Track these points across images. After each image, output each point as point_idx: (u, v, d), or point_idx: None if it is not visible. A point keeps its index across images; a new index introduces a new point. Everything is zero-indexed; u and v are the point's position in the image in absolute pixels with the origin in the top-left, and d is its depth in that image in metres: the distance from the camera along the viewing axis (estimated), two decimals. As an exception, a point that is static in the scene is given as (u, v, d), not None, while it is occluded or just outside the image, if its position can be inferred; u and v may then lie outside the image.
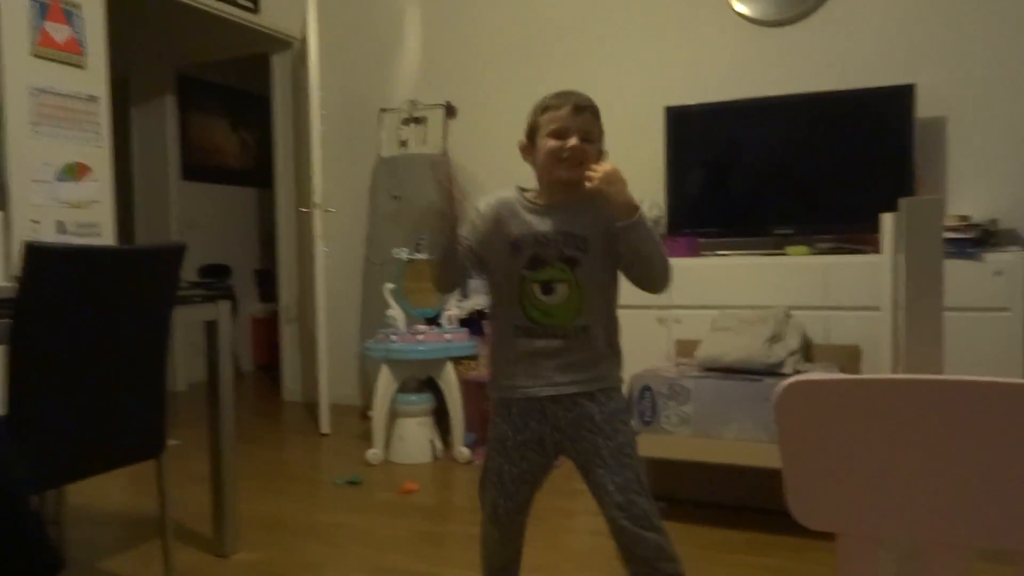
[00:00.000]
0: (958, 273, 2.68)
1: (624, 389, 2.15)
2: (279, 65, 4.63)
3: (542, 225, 1.50)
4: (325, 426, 3.84)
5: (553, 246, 1.49)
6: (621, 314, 3.24)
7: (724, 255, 3.19)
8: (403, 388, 3.31)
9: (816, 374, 0.86)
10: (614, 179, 1.41)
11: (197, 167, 5.50)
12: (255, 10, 4.22)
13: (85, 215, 3.21)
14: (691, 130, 3.37)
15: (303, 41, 4.14)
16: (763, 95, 3.28)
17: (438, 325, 3.41)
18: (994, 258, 2.67)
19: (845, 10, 3.30)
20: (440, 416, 3.35)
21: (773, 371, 2.61)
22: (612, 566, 2.04)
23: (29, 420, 1.69)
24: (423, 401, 3.31)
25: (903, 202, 1.19)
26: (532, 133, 1.54)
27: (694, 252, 3.26)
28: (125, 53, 4.97)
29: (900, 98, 3.01)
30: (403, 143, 4.22)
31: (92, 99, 3.25)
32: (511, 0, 3.96)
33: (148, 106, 5.21)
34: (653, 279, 1.52)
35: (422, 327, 3.37)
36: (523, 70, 3.94)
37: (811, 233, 3.15)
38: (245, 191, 6.00)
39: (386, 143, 4.28)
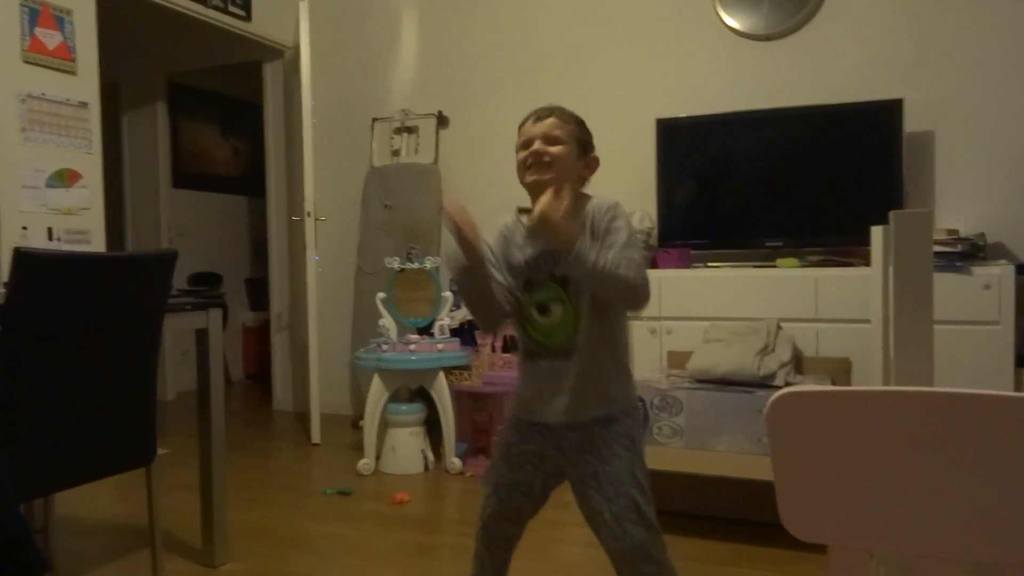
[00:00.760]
0: (947, 287, 2.70)
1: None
2: (271, 73, 4.63)
3: (532, 246, 1.50)
4: (316, 436, 3.82)
5: (543, 266, 1.48)
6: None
7: (715, 267, 3.21)
8: (395, 398, 3.30)
9: (807, 386, 0.86)
10: (545, 220, 1.34)
11: (188, 175, 5.49)
12: (247, 18, 4.23)
13: (75, 222, 3.20)
14: (682, 142, 3.39)
15: (295, 49, 4.14)
16: (753, 108, 3.31)
17: (430, 335, 3.40)
18: (983, 272, 2.70)
19: (834, 25, 3.34)
20: (432, 426, 3.34)
21: (764, 383, 2.62)
22: (603, 577, 2.03)
23: (17, 428, 1.68)
24: (415, 411, 3.30)
25: (893, 215, 1.20)
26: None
27: (685, 263, 3.27)
28: (116, 59, 4.96)
29: (888, 112, 3.04)
30: (395, 152, 4.23)
31: (83, 105, 3.24)
32: (504, 11, 3.98)
33: (139, 113, 5.20)
34: (622, 302, 1.45)
35: (414, 337, 3.36)
36: (515, 81, 3.95)
37: (801, 246, 3.17)
38: (236, 199, 5.99)
39: (378, 152, 4.29)
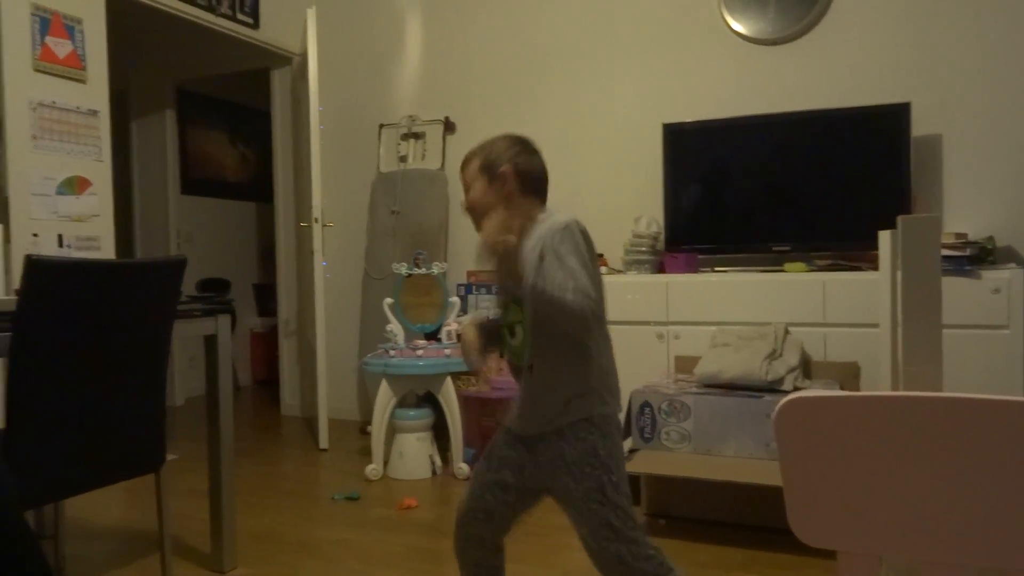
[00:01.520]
0: (956, 291, 2.69)
1: (623, 408, 2.16)
2: (279, 80, 4.66)
3: (504, 270, 1.52)
4: (324, 441, 3.83)
5: (505, 290, 1.54)
6: (620, 329, 3.23)
7: (722, 271, 3.21)
8: (402, 403, 3.31)
9: (815, 391, 0.86)
10: (488, 253, 1.42)
11: (197, 181, 5.52)
12: (255, 26, 4.25)
13: (85, 229, 3.22)
14: (688, 147, 3.39)
15: (303, 56, 4.16)
16: (760, 113, 3.31)
17: (437, 340, 3.41)
18: (991, 275, 2.69)
19: (841, 29, 3.33)
20: (439, 432, 3.34)
21: (772, 388, 2.61)
22: (611, 583, 2.02)
23: (28, 433, 1.69)
24: (422, 416, 3.30)
25: (900, 220, 1.20)
26: None
27: (692, 268, 3.27)
28: (125, 67, 5.00)
29: (896, 116, 3.03)
30: (402, 158, 4.24)
31: (92, 113, 3.27)
32: (511, 17, 4.00)
33: (148, 120, 5.23)
34: (563, 325, 1.39)
35: (421, 342, 3.37)
36: (522, 87, 3.96)
37: (808, 250, 3.17)
38: (244, 205, 6.02)
39: (385, 158, 4.31)
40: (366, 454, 3.47)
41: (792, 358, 2.72)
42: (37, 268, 1.64)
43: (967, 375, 2.68)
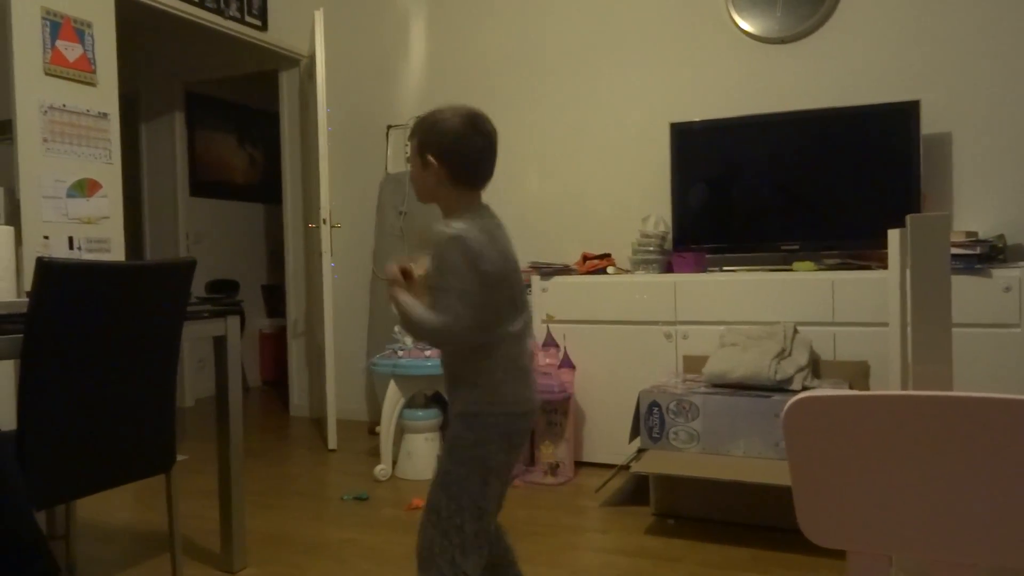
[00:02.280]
0: (966, 289, 2.68)
1: (632, 405, 2.16)
2: (287, 82, 4.68)
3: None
4: (332, 442, 3.84)
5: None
6: (628, 329, 3.23)
7: (730, 271, 3.20)
8: (411, 404, 3.31)
9: (824, 391, 0.86)
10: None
11: (205, 183, 5.55)
12: (263, 28, 4.27)
13: (95, 231, 3.24)
14: (696, 146, 3.38)
15: (311, 58, 4.18)
16: (768, 111, 3.30)
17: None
18: (1002, 274, 2.67)
19: (849, 27, 3.32)
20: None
21: (781, 387, 2.61)
22: (620, 583, 2.03)
23: (39, 434, 1.70)
24: (431, 417, 3.31)
25: (910, 219, 1.19)
26: None
27: (700, 267, 3.26)
28: (135, 70, 5.03)
29: (905, 114, 3.02)
30: (410, 159, 4.25)
31: (102, 116, 3.29)
32: (518, 18, 4.00)
33: (157, 123, 5.26)
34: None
35: (429, 342, 3.37)
36: (529, 87, 3.96)
37: (817, 249, 3.15)
38: (253, 207, 6.04)
39: (392, 159, 4.31)
40: (375, 455, 3.48)
41: (801, 357, 2.71)
42: (48, 270, 1.65)
43: (978, 374, 2.66)
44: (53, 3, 3.08)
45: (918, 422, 0.72)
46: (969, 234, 2.81)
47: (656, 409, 2.67)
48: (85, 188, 3.21)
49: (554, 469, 3.15)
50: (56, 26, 3.10)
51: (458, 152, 1.49)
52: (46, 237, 3.04)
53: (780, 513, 2.49)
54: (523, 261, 3.73)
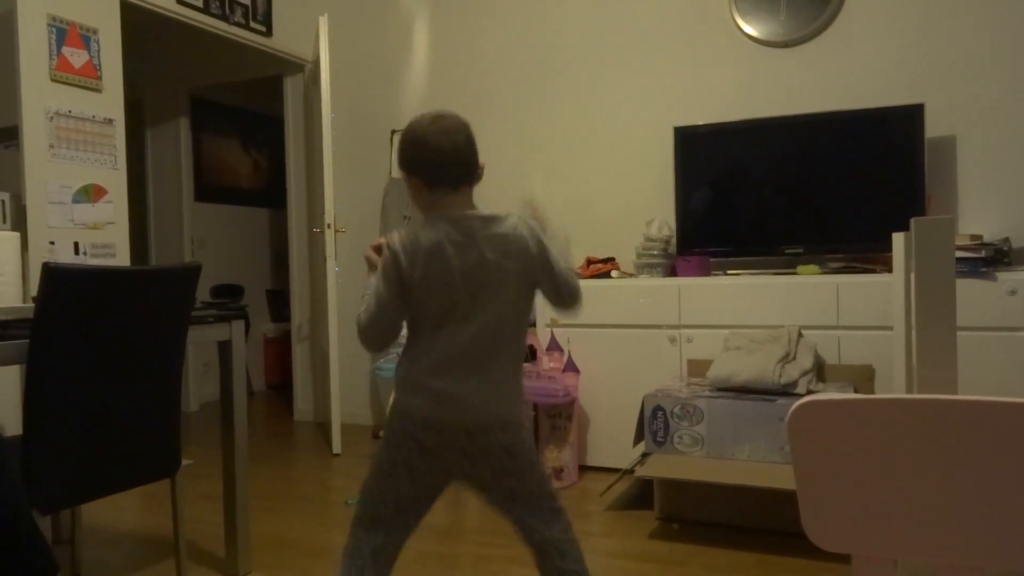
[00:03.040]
0: (971, 292, 2.67)
1: (636, 409, 2.15)
2: (291, 87, 4.69)
3: None
4: (337, 446, 3.84)
5: None
6: (632, 333, 3.24)
7: (735, 274, 3.20)
8: (414, 408, 3.31)
9: (828, 394, 0.86)
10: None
11: (210, 188, 5.57)
12: (268, 33, 4.29)
13: (101, 236, 3.25)
14: (700, 150, 3.38)
15: (315, 63, 4.19)
16: (772, 115, 3.30)
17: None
18: (1007, 277, 2.66)
19: (853, 30, 3.32)
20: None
21: (786, 391, 2.60)
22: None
23: (45, 439, 1.71)
24: (434, 421, 3.30)
25: (914, 222, 1.19)
26: None
27: (704, 271, 3.26)
28: (140, 76, 5.05)
29: (910, 118, 3.01)
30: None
31: (108, 122, 3.31)
32: (521, 21, 4.01)
33: (162, 128, 5.28)
34: None
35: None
36: (532, 91, 3.97)
37: (822, 252, 3.15)
38: (257, 211, 6.06)
39: (396, 164, 4.32)
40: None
41: (806, 361, 2.71)
42: (54, 275, 1.66)
43: (984, 377, 2.65)
44: (59, 10, 3.10)
45: (923, 426, 0.72)
46: (974, 237, 2.80)
47: (660, 413, 2.67)
48: (91, 194, 3.22)
49: (558, 473, 3.15)
50: (62, 33, 3.12)
51: (422, 159, 1.49)
52: (52, 242, 3.05)
53: (785, 517, 2.49)
54: (527, 265, 3.75)
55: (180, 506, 2.08)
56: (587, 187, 3.84)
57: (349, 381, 4.38)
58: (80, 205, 3.18)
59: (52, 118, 3.08)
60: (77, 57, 3.18)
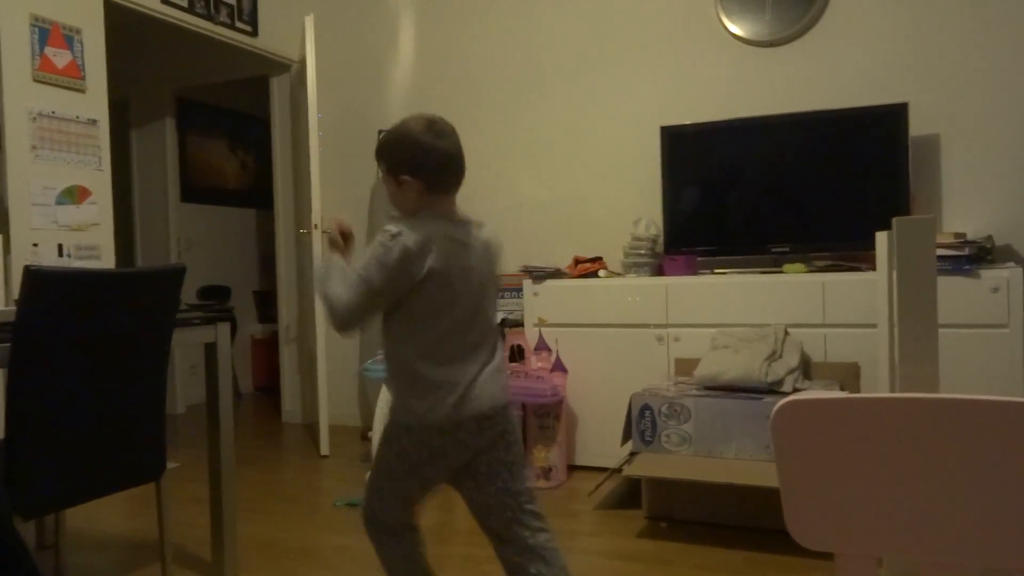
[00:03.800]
0: (954, 290, 2.69)
1: (624, 408, 2.16)
2: (277, 87, 4.67)
3: None
4: (325, 447, 3.83)
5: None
6: (620, 332, 3.24)
7: (722, 273, 3.21)
8: (402, 408, 3.30)
9: (811, 393, 0.86)
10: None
11: (196, 189, 5.53)
12: (254, 33, 4.26)
13: (85, 238, 3.22)
14: (687, 149, 3.40)
15: (301, 63, 4.17)
16: (758, 114, 3.32)
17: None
18: (991, 275, 2.69)
19: (838, 30, 3.34)
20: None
21: (772, 389, 2.61)
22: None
23: (28, 443, 1.69)
24: (422, 421, 3.30)
25: (895, 221, 1.20)
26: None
27: (691, 270, 3.27)
28: (124, 76, 5.01)
29: (894, 117, 3.04)
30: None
31: (92, 123, 3.28)
32: (508, 21, 4.00)
33: (147, 128, 5.24)
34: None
35: (421, 347, 3.36)
36: (520, 91, 3.97)
37: (808, 251, 3.17)
38: (244, 212, 6.03)
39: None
40: (367, 460, 3.47)
41: (792, 359, 2.72)
42: (36, 279, 1.64)
43: (968, 375, 2.68)
44: (41, 9, 3.07)
45: (905, 424, 0.72)
46: (958, 235, 2.83)
47: (648, 412, 2.68)
48: (75, 195, 3.19)
49: (547, 473, 3.15)
50: (45, 33, 3.09)
51: (428, 162, 1.52)
52: (35, 245, 3.02)
53: (773, 515, 2.50)
54: (514, 264, 3.76)
55: (166, 510, 2.06)
56: (574, 186, 3.84)
57: (337, 383, 4.36)
58: (64, 207, 3.15)
59: (35, 119, 3.05)
60: (60, 57, 3.15)
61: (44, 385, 1.70)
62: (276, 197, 4.72)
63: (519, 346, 3.31)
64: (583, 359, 3.27)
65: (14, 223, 2.95)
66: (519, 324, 3.41)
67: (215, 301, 5.50)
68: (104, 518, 2.90)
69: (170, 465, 2.06)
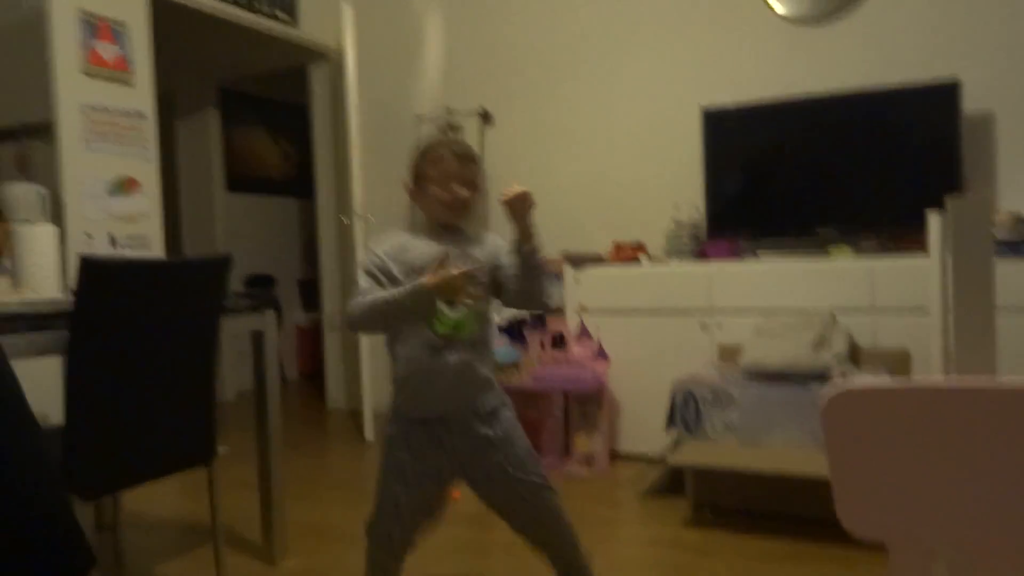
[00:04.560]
0: (1011, 273, 2.60)
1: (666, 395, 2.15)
2: (317, 76, 4.71)
3: (440, 250, 1.61)
4: (369, 433, 3.88)
5: (454, 263, 1.58)
6: (661, 320, 3.23)
7: (766, 258, 3.15)
8: (444, 395, 3.33)
9: (863, 380, 0.84)
10: (529, 203, 1.55)
11: (240, 179, 5.63)
12: (293, 23, 4.31)
13: (135, 228, 3.31)
14: (728, 132, 3.33)
15: (340, 52, 4.20)
16: (802, 94, 3.23)
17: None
18: (1049, 257, 2.59)
19: (885, 5, 3.24)
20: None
21: (819, 376, 2.57)
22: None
23: (85, 428, 1.75)
24: (464, 408, 3.32)
25: (949, 201, 1.16)
26: (418, 177, 1.70)
27: (734, 255, 3.22)
28: (169, 69, 5.10)
29: (945, 94, 2.94)
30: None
31: (140, 115, 3.35)
32: (544, 5, 3.97)
33: (192, 120, 5.34)
34: (541, 294, 1.62)
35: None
36: (558, 74, 3.94)
37: (855, 234, 3.09)
38: (287, 201, 6.11)
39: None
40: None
41: (839, 346, 2.67)
42: (91, 268, 1.69)
43: (1024, 361, 2.59)
44: (90, 4, 3.14)
45: (960, 412, 0.70)
46: (1014, 216, 2.73)
47: (692, 400, 2.65)
48: (124, 186, 3.27)
49: (589, 460, 3.15)
50: (93, 27, 3.16)
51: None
52: (88, 235, 3.11)
53: (820, 505, 2.46)
54: (554, 250, 3.74)
55: (217, 493, 2.12)
56: (614, 171, 3.81)
57: (380, 369, 4.40)
58: (114, 198, 3.23)
59: (85, 112, 3.13)
60: (108, 51, 3.22)
61: (100, 371, 1.75)
62: (318, 186, 4.77)
63: (560, 333, 3.31)
64: (625, 346, 3.25)
65: (68, 214, 3.04)
66: (560, 311, 3.40)
67: (260, 290, 5.60)
68: (158, 501, 2.99)
69: (220, 450, 2.11)
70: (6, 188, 2.30)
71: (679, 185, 3.60)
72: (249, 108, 5.78)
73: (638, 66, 3.75)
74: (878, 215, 3.07)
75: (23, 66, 3.16)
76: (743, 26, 3.51)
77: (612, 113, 3.82)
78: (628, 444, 3.29)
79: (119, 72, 3.27)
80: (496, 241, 1.68)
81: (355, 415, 4.48)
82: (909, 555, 0.76)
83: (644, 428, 3.23)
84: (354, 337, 4.34)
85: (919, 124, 2.99)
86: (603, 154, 3.86)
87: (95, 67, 3.17)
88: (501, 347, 3.33)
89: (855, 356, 2.78)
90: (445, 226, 1.66)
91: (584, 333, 3.28)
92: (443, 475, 1.65)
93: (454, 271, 1.49)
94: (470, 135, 4.19)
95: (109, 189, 3.21)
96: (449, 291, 1.51)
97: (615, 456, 3.30)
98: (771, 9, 3.44)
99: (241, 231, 5.55)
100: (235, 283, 5.47)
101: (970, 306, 1.12)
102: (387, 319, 1.58)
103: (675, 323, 3.16)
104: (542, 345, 3.37)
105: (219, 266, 2.01)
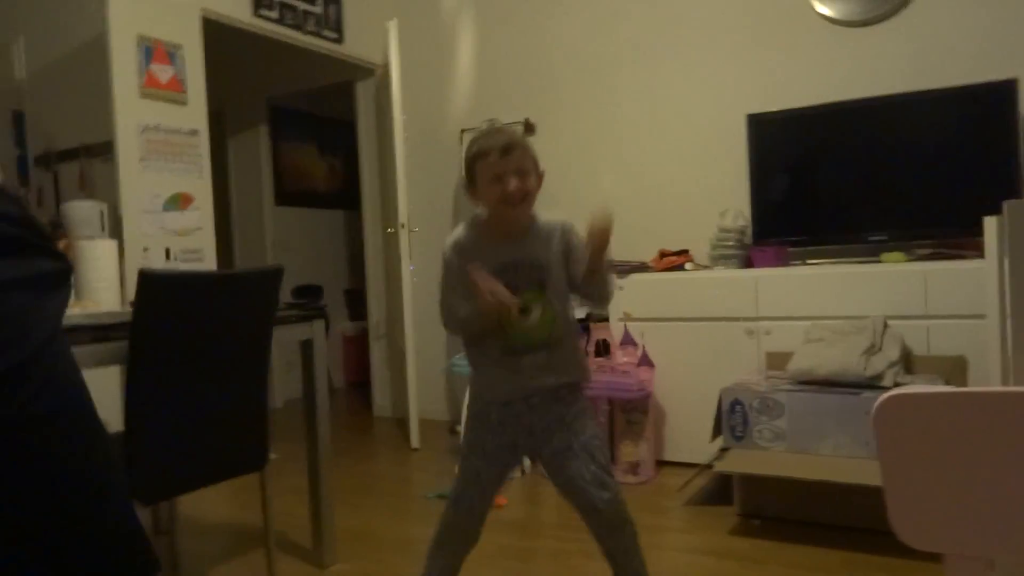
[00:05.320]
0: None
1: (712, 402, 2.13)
2: (363, 91, 4.80)
3: (508, 255, 1.64)
4: (415, 441, 3.92)
5: (522, 272, 1.63)
6: (708, 326, 3.21)
7: (815, 264, 3.10)
8: (489, 403, 3.34)
9: (917, 387, 0.83)
10: (608, 236, 1.58)
11: (289, 192, 5.75)
12: (339, 40, 4.40)
13: (189, 242, 3.41)
14: (775, 137, 3.29)
15: (385, 68, 4.28)
16: (851, 98, 3.18)
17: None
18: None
19: (933, 5, 3.17)
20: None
21: (871, 384, 2.51)
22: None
23: (144, 435, 1.81)
24: (509, 416, 3.33)
25: (1006, 205, 1.14)
26: (471, 178, 1.69)
27: (782, 261, 3.18)
28: (220, 87, 5.26)
29: (1001, 94, 2.86)
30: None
31: (193, 133, 3.46)
32: (588, 13, 3.98)
33: (243, 136, 5.49)
34: (604, 299, 1.71)
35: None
36: (601, 82, 3.95)
37: (908, 239, 3.02)
38: (333, 214, 6.23)
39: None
40: (456, 453, 3.53)
41: (892, 352, 2.61)
42: (149, 281, 1.75)
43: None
44: (146, 29, 3.26)
45: (1018, 419, 0.69)
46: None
47: (739, 407, 2.62)
48: (179, 202, 3.38)
49: (635, 468, 3.13)
50: (150, 51, 3.28)
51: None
52: (146, 249, 3.22)
53: (871, 514, 2.40)
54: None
55: (269, 499, 2.17)
56: (658, 179, 3.79)
57: (425, 378, 4.45)
58: (170, 213, 3.34)
59: (143, 132, 3.24)
60: (163, 73, 3.34)
61: (158, 381, 1.82)
62: (363, 198, 4.85)
63: (604, 341, 3.30)
64: (671, 353, 3.22)
65: (127, 229, 3.15)
66: (604, 319, 3.39)
67: (309, 300, 5.71)
68: (212, 506, 3.07)
69: (271, 456, 2.16)
70: (69, 206, 2.40)
71: (724, 192, 3.56)
72: (297, 124, 5.91)
73: (682, 73, 3.73)
74: (931, 220, 2.99)
75: (84, 90, 3.30)
76: (788, 30, 3.47)
77: (656, 120, 3.81)
78: (674, 452, 3.26)
79: (174, 92, 3.39)
80: (564, 230, 1.69)
81: (401, 423, 4.53)
82: (966, 565, 0.75)
83: (690, 436, 3.20)
84: (400, 345, 4.39)
85: (974, 126, 2.92)
86: (647, 162, 3.85)
87: (151, 88, 3.29)
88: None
89: (909, 363, 2.71)
90: (508, 228, 1.67)
91: (628, 341, 3.27)
92: (518, 448, 1.73)
93: (503, 297, 1.54)
94: (513, 145, 4.21)
95: (164, 205, 3.32)
96: (502, 316, 1.56)
97: (661, 464, 3.27)
98: (817, 13, 3.39)
99: (289, 243, 5.67)
100: (284, 293, 5.58)
101: (1028, 311, 1.09)
102: (467, 334, 1.71)
103: (721, 330, 3.13)
104: (587, 352, 3.36)
105: (271, 277, 2.06)
